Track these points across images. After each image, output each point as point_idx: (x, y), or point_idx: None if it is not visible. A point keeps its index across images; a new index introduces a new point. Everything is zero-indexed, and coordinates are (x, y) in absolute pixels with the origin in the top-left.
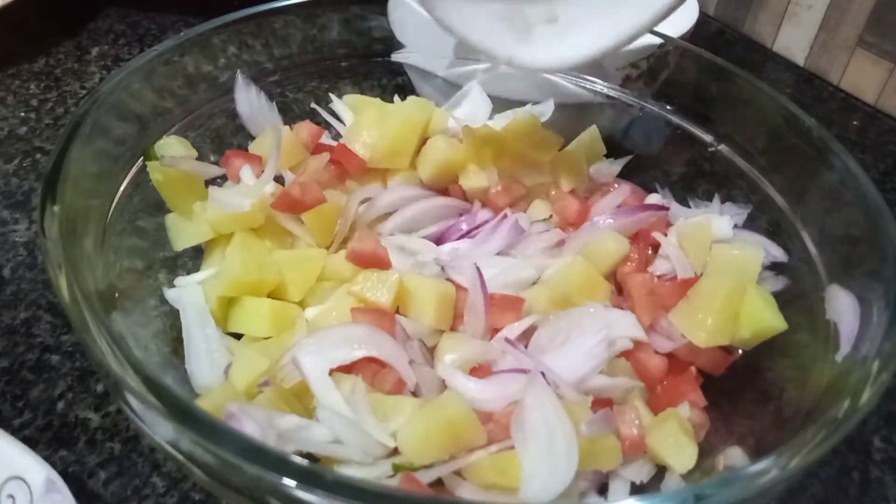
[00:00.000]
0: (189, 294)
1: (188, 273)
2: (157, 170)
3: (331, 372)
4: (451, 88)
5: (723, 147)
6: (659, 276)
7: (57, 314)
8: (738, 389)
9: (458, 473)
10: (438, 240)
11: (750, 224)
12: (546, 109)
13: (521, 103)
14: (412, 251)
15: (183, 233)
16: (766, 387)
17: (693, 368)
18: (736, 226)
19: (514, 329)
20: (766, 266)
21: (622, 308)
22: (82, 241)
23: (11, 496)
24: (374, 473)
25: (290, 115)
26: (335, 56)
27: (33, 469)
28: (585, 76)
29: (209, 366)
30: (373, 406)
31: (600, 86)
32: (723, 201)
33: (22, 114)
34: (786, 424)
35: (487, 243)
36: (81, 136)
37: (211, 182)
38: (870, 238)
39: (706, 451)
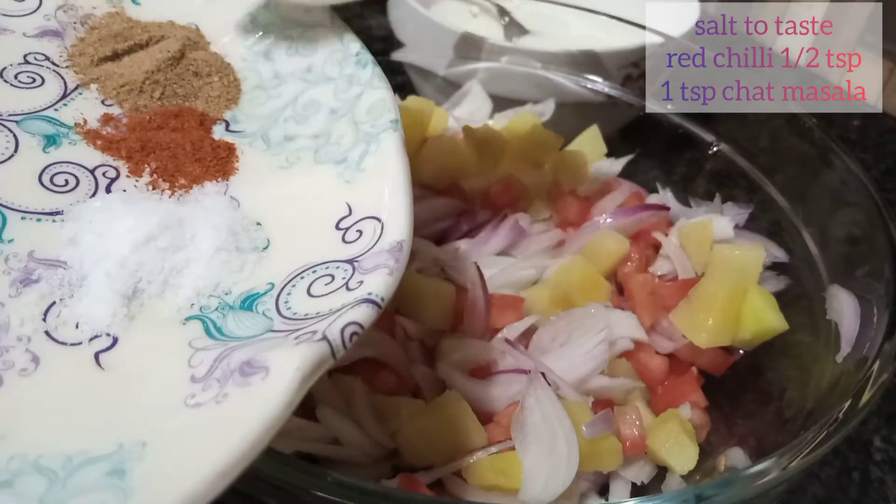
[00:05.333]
0: None
1: None
2: None
3: (331, 372)
4: (451, 88)
5: (723, 147)
6: (660, 277)
7: None
8: (739, 390)
9: (458, 474)
10: (438, 240)
11: (751, 224)
12: (546, 109)
13: (521, 103)
14: (412, 251)
15: None
16: (767, 387)
17: (694, 369)
18: (737, 226)
19: (514, 329)
20: (767, 266)
21: (623, 308)
22: None
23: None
24: (374, 473)
25: None
26: None
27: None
28: (586, 75)
29: None
30: (373, 406)
31: (601, 85)
32: (724, 201)
33: None
34: (787, 425)
35: (487, 243)
36: None
37: None
38: (870, 238)
39: (707, 451)
